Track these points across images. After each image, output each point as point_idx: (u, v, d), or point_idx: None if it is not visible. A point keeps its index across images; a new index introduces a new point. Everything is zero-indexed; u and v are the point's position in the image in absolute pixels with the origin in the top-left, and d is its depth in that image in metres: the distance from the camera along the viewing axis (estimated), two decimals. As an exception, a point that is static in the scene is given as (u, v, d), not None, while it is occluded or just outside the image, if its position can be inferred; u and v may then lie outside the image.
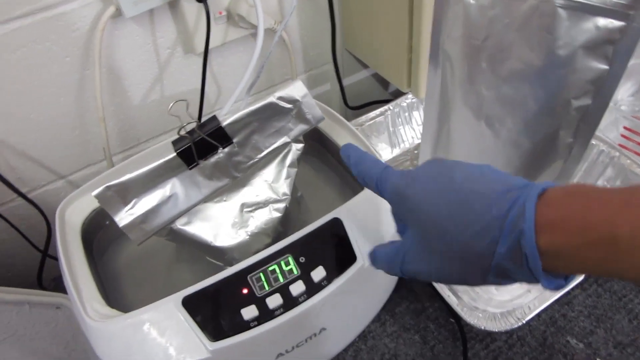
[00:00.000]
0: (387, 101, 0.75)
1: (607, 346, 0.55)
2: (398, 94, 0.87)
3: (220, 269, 0.44)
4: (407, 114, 0.74)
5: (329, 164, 0.58)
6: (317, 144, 0.58)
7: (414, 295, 0.61)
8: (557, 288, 0.29)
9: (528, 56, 0.47)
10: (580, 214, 0.26)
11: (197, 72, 0.67)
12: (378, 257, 0.39)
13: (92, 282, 0.45)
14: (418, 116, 0.74)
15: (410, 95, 0.73)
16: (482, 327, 0.51)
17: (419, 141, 0.74)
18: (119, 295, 0.50)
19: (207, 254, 0.51)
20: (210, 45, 0.60)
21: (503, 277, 0.30)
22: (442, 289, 0.55)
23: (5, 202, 0.64)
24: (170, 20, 0.61)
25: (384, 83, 0.88)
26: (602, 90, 0.46)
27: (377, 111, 0.72)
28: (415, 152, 0.74)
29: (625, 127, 0.72)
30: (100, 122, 0.60)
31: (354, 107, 0.80)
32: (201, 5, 0.59)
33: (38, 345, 0.52)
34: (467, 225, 0.30)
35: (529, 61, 0.48)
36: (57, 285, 0.67)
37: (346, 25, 0.71)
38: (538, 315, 0.56)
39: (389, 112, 0.72)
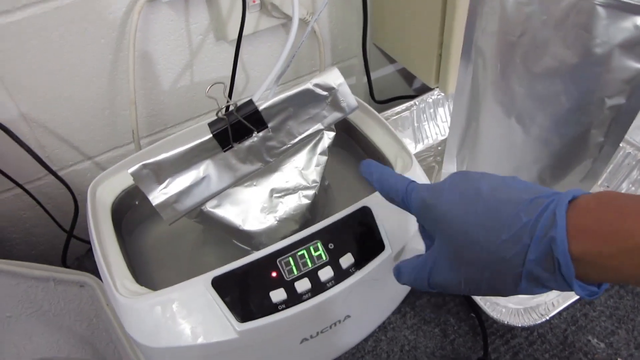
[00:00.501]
0: (411, 97, 0.76)
1: (628, 347, 0.55)
2: (421, 90, 0.87)
3: (247, 253, 0.44)
4: (432, 110, 0.74)
5: (355, 154, 0.58)
6: (344, 134, 0.58)
7: (435, 290, 0.61)
8: (591, 296, 0.29)
9: (564, 53, 0.47)
10: (613, 221, 0.26)
11: (227, 59, 0.68)
12: (404, 272, 0.39)
13: (122, 260, 0.46)
14: (443, 113, 0.74)
15: (436, 92, 0.73)
16: (506, 322, 0.52)
17: (443, 138, 0.74)
18: (146, 274, 0.50)
19: (234, 238, 0.52)
20: (243, 33, 0.61)
21: (535, 284, 0.30)
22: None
23: (32, 180, 0.65)
24: (204, 6, 0.62)
25: (408, 79, 0.88)
26: (637, 90, 0.46)
27: (403, 106, 0.72)
28: (439, 148, 0.74)
29: (652, 131, 0.71)
30: (131, 105, 0.60)
31: (380, 102, 0.80)
32: (236, -8, 0.59)
33: (62, 322, 0.53)
34: (496, 233, 0.30)
35: (564, 58, 0.48)
36: (80, 264, 0.68)
37: (376, 19, 0.71)
38: (559, 313, 0.56)
39: (414, 107, 0.73)
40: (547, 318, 0.52)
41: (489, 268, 0.31)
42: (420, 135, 0.74)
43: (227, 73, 0.69)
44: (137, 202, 0.53)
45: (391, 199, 0.39)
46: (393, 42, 0.73)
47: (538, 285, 0.30)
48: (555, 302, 0.53)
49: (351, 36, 0.76)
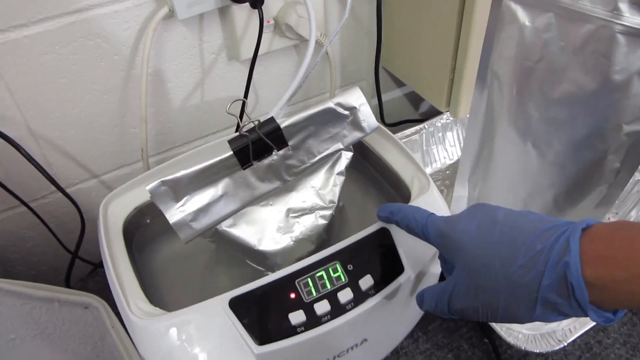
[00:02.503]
0: (419, 121, 0.76)
1: (644, 376, 0.55)
2: (428, 114, 0.88)
3: (261, 274, 0.44)
4: (440, 134, 0.74)
5: (369, 176, 0.58)
6: (358, 156, 0.57)
7: (448, 315, 0.61)
8: (606, 322, 0.29)
9: (582, 79, 0.48)
10: (625, 248, 0.27)
11: (238, 79, 0.68)
12: (426, 299, 0.40)
13: (135, 280, 0.45)
14: (452, 137, 0.75)
15: (445, 116, 0.73)
16: (523, 348, 0.51)
17: (451, 162, 0.74)
18: (158, 295, 0.49)
19: (249, 258, 0.51)
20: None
21: (550, 310, 0.30)
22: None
23: (37, 198, 0.64)
24: (218, 25, 0.62)
25: (415, 103, 0.88)
26: (655, 117, 0.46)
27: (413, 129, 0.72)
28: (447, 172, 0.74)
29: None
30: (142, 123, 0.60)
31: (390, 124, 0.80)
32: (251, 12, 0.59)
33: (67, 344, 0.51)
34: (512, 259, 0.31)
35: (582, 84, 0.48)
36: (84, 286, 0.66)
37: (385, 42, 0.72)
38: (573, 340, 0.56)
39: (423, 131, 0.73)
40: (565, 344, 0.51)
41: (505, 294, 0.32)
42: (429, 158, 0.74)
43: (237, 93, 0.69)
44: (148, 221, 0.52)
45: (412, 231, 0.41)
46: (403, 66, 0.73)
47: (553, 312, 0.30)
48: (572, 328, 0.52)
49: (361, 59, 0.76)
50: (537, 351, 0.51)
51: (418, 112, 0.91)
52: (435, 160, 0.74)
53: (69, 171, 0.64)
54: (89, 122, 0.61)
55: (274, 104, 0.58)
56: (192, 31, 0.61)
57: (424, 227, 0.39)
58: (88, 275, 0.69)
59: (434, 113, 0.74)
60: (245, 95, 0.64)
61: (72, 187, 0.65)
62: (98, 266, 0.69)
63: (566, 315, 0.30)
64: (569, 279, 0.28)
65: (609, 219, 0.69)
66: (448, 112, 0.72)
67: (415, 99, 0.88)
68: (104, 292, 0.60)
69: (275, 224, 0.48)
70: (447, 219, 0.37)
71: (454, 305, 0.36)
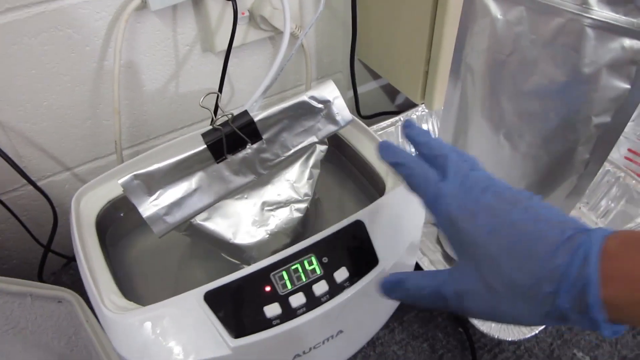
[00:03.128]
0: (395, 113, 0.76)
1: (612, 361, 0.56)
2: (403, 107, 0.88)
3: (236, 268, 0.43)
4: (416, 126, 0.74)
5: (344, 169, 0.58)
6: (333, 149, 0.58)
7: (422, 305, 0.61)
8: (615, 334, 0.29)
9: (552, 72, 0.48)
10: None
11: (213, 71, 0.67)
12: (410, 286, 0.36)
13: (109, 274, 0.44)
14: (427, 129, 0.75)
15: (420, 108, 0.74)
16: (495, 336, 0.52)
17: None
18: (132, 289, 0.48)
19: (224, 252, 0.50)
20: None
21: (561, 321, 0.30)
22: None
23: (7, 191, 0.63)
24: (192, 17, 0.61)
25: (391, 95, 0.89)
26: (622, 109, 0.47)
27: (388, 121, 0.73)
28: (423, 163, 0.74)
29: (630, 150, 0.73)
30: (115, 115, 0.59)
31: (366, 117, 0.81)
32: (225, 3, 0.59)
33: (40, 339, 0.51)
34: (531, 271, 0.30)
35: (553, 77, 0.49)
36: (57, 279, 0.66)
37: (361, 34, 0.72)
38: (545, 327, 0.57)
39: (399, 123, 0.73)
40: (536, 332, 0.52)
41: (516, 302, 0.31)
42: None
43: (212, 85, 0.68)
44: (122, 215, 0.52)
45: (417, 193, 0.36)
46: (378, 58, 0.73)
47: (562, 321, 0.30)
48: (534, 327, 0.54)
49: (337, 51, 0.76)
50: (510, 339, 0.52)
51: (394, 104, 0.91)
52: (410, 152, 0.75)
53: (40, 164, 0.62)
54: (60, 114, 0.60)
55: (249, 96, 0.58)
56: (166, 22, 0.60)
57: (435, 199, 0.34)
58: (61, 269, 0.68)
59: (409, 105, 0.75)
60: (220, 88, 0.63)
61: (44, 179, 0.64)
62: (71, 260, 0.68)
63: (575, 326, 0.31)
64: (587, 299, 0.28)
65: (579, 208, 0.70)
66: (423, 105, 0.73)
67: (390, 91, 0.89)
68: (78, 286, 0.59)
69: (251, 218, 0.48)
70: (459, 206, 0.33)
71: (457, 304, 0.34)
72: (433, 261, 0.62)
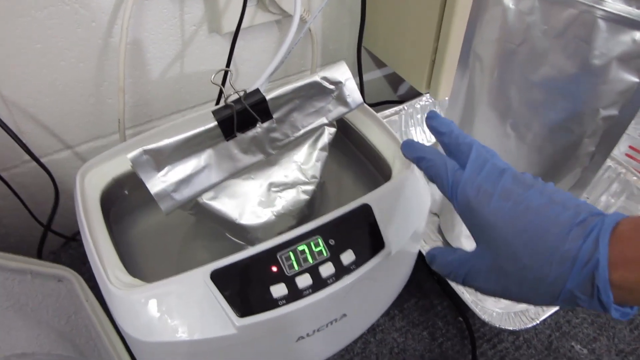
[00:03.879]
0: (398, 102, 0.76)
1: (609, 353, 0.57)
2: (406, 97, 0.88)
3: (240, 249, 0.43)
4: (419, 116, 0.75)
5: (351, 153, 0.58)
6: (340, 133, 0.57)
7: (423, 293, 0.62)
8: (625, 316, 0.30)
9: (562, 63, 0.49)
10: None
11: (218, 52, 0.66)
12: (438, 262, 0.39)
13: (113, 251, 0.44)
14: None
15: (424, 98, 0.74)
16: (497, 325, 0.52)
17: (429, 143, 0.74)
18: (136, 267, 0.48)
19: (229, 232, 0.50)
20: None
21: (571, 303, 0.31)
22: (456, 287, 0.56)
23: (7, 167, 0.62)
24: (200, -4, 0.60)
25: (394, 85, 0.89)
26: (631, 102, 0.47)
27: (392, 110, 0.73)
28: (425, 154, 0.74)
29: (630, 147, 0.74)
30: (119, 93, 0.58)
31: (370, 105, 0.80)
32: (234, -16, 0.58)
33: (41, 317, 0.50)
34: (542, 255, 0.31)
35: (562, 68, 0.49)
36: (57, 258, 0.65)
37: (368, 22, 0.71)
38: (544, 320, 0.57)
39: (403, 112, 0.73)
40: (537, 323, 0.52)
41: (528, 284, 0.32)
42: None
43: (217, 66, 0.68)
44: (126, 192, 0.51)
45: (437, 184, 0.38)
46: (385, 46, 0.73)
47: (573, 304, 0.31)
48: (544, 307, 0.54)
49: (342, 38, 0.76)
50: (510, 328, 0.52)
51: (397, 94, 0.91)
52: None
53: (42, 141, 0.62)
54: (63, 90, 0.59)
55: (253, 80, 0.57)
56: (173, 1, 0.59)
57: (454, 185, 0.35)
58: (60, 248, 0.67)
59: (412, 95, 0.75)
60: (225, 75, 0.63)
61: (45, 157, 0.63)
62: (70, 239, 0.68)
63: (585, 307, 0.31)
64: (596, 282, 0.28)
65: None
66: (428, 94, 0.73)
67: (394, 81, 0.89)
68: (77, 265, 0.59)
69: (257, 198, 0.48)
70: (476, 187, 0.34)
71: (470, 282, 0.36)
72: (434, 250, 0.62)
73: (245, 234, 0.48)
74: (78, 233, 0.68)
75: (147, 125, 0.69)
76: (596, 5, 0.45)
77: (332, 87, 0.46)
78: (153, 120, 0.69)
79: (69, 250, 0.65)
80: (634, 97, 0.47)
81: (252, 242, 0.49)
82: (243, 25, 0.63)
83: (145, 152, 0.41)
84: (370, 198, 0.47)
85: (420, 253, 0.59)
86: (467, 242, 0.62)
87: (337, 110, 0.47)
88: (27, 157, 0.61)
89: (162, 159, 0.42)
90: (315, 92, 0.45)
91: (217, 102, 0.66)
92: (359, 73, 0.75)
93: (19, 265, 0.52)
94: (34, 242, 0.65)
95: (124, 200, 0.51)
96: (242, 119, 0.44)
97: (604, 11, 0.44)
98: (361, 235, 0.45)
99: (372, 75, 0.85)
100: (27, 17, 0.52)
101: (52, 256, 0.65)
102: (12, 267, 0.51)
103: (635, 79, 0.46)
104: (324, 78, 0.45)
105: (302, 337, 0.46)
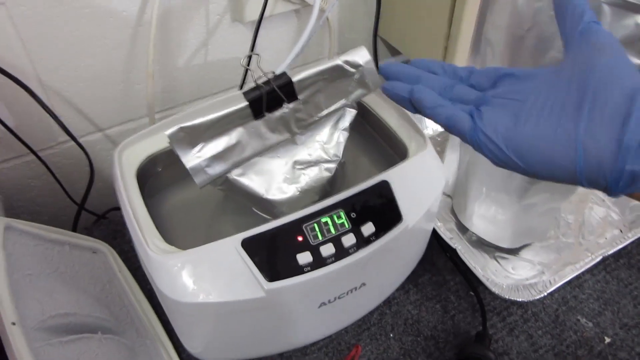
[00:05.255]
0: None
1: (614, 327, 0.59)
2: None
3: (267, 222, 0.46)
4: (432, 102, 0.77)
5: (368, 135, 0.61)
6: (358, 117, 0.60)
7: (436, 269, 0.65)
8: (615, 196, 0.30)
9: (569, 47, 0.51)
10: None
11: (240, 41, 0.70)
12: (422, 94, 0.35)
13: (150, 221, 0.47)
14: (443, 105, 0.78)
15: (437, 85, 0.77)
16: (506, 297, 0.55)
17: (442, 129, 0.77)
18: (170, 236, 0.51)
19: (256, 207, 0.53)
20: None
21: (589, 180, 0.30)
22: (468, 261, 0.59)
23: (44, 148, 0.65)
24: (225, -14, 0.64)
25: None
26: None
27: (406, 96, 0.75)
28: (438, 139, 0.77)
29: None
30: (148, 78, 0.62)
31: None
32: (258, -26, 0.61)
33: (79, 284, 0.54)
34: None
35: (569, 52, 0.51)
36: (89, 234, 0.68)
37: (383, 11, 0.74)
38: (551, 294, 0.60)
39: (416, 98, 0.76)
40: (545, 294, 0.56)
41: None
42: (420, 125, 0.77)
43: (239, 54, 0.71)
44: (159, 169, 0.55)
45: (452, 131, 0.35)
46: (400, 34, 0.76)
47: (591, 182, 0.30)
48: (552, 280, 0.57)
49: (359, 27, 0.79)
50: (519, 300, 0.55)
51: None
52: (426, 126, 0.78)
53: (75, 123, 0.65)
54: (96, 75, 0.63)
55: (272, 67, 0.60)
56: (200, -10, 0.62)
57: (471, 139, 0.33)
58: (92, 224, 0.71)
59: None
60: (250, 56, 0.66)
61: (78, 139, 0.67)
62: (100, 217, 0.71)
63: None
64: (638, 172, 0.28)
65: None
66: (441, 81, 0.75)
67: (407, 70, 0.91)
68: (108, 240, 0.63)
69: (282, 175, 0.51)
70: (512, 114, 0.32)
71: (470, 124, 0.32)
72: (448, 229, 0.65)
73: (271, 208, 0.52)
74: (108, 211, 0.72)
75: (173, 110, 0.72)
76: (601, -9, 0.47)
77: (352, 70, 0.49)
78: (178, 105, 0.72)
79: (100, 227, 0.69)
80: (639, 80, 0.50)
81: (277, 217, 0.52)
82: (264, 14, 0.66)
83: (182, 129, 0.44)
84: (388, 175, 0.50)
85: (434, 231, 0.62)
86: (479, 222, 0.65)
87: (358, 92, 0.50)
88: (61, 138, 0.65)
89: (196, 136, 0.45)
90: (337, 75, 0.48)
91: (241, 87, 0.70)
92: (374, 61, 0.78)
93: (58, 236, 0.56)
94: (65, 220, 0.69)
95: (157, 176, 0.55)
96: (270, 99, 0.47)
97: (609, -4, 0.47)
98: (380, 209, 0.49)
99: (387, 63, 0.87)
100: (65, 6, 0.56)
101: (85, 232, 0.69)
102: (52, 238, 0.55)
103: (638, 61, 0.49)
104: (346, 61, 0.48)
105: (324, 304, 0.49)
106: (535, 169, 0.31)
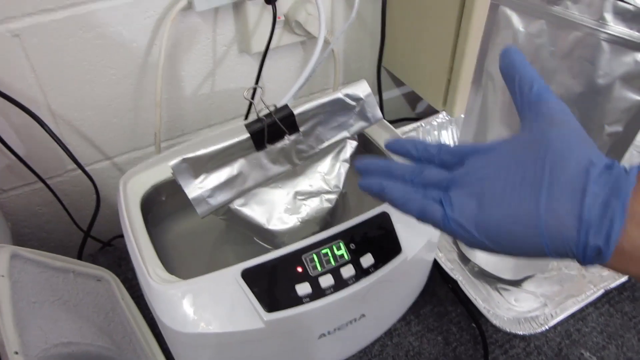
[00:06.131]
0: (416, 119, 0.80)
1: (618, 361, 0.59)
2: (424, 114, 0.92)
3: (268, 252, 0.47)
4: (436, 132, 0.78)
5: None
6: (360, 147, 0.61)
7: (438, 300, 0.65)
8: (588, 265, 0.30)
9: (569, 82, 0.52)
10: None
11: (247, 71, 0.71)
12: (387, 187, 0.37)
13: (153, 250, 0.48)
14: (446, 135, 0.79)
15: (441, 115, 0.77)
16: (507, 330, 0.55)
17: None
18: (172, 266, 0.52)
19: (257, 236, 0.54)
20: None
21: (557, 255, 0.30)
22: (469, 293, 0.58)
23: (51, 176, 0.67)
24: (231, 19, 0.65)
25: (412, 103, 0.92)
26: (634, 119, 0.51)
27: (410, 126, 0.76)
28: (441, 168, 0.78)
29: (640, 163, 0.76)
30: (157, 107, 0.63)
31: (390, 121, 0.84)
32: (263, 7, 0.63)
33: (82, 312, 0.54)
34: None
35: (569, 87, 0.52)
36: (95, 261, 0.69)
37: (388, 44, 0.76)
38: (554, 327, 0.60)
39: (420, 128, 0.77)
40: (547, 327, 0.55)
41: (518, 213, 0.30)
42: (424, 155, 0.78)
43: (246, 84, 0.72)
44: (163, 198, 0.56)
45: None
46: (403, 66, 0.77)
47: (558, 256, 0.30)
48: (553, 313, 0.57)
49: (363, 58, 0.80)
50: (521, 333, 0.55)
51: (414, 111, 0.95)
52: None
53: (83, 151, 0.67)
54: (105, 105, 0.64)
55: (278, 96, 0.62)
56: (207, 23, 0.64)
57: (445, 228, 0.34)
58: (98, 252, 0.72)
59: (429, 113, 0.78)
60: (254, 92, 0.67)
61: (86, 167, 0.68)
62: (106, 244, 0.72)
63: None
64: (601, 246, 0.28)
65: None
66: (444, 112, 0.76)
67: (412, 99, 0.93)
68: (113, 268, 0.64)
69: (284, 205, 0.52)
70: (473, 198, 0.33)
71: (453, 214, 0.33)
72: (449, 259, 0.65)
73: (272, 238, 0.52)
74: (113, 238, 0.73)
75: (180, 138, 0.73)
76: (600, 29, 0.48)
77: (353, 103, 0.50)
78: (185, 134, 0.73)
79: (105, 254, 0.70)
80: (637, 114, 0.50)
81: (278, 247, 0.52)
82: (270, 46, 0.68)
83: (185, 160, 0.45)
84: (388, 206, 0.50)
85: (435, 261, 0.62)
86: (481, 253, 0.65)
87: (358, 125, 0.51)
88: (70, 166, 0.66)
89: (199, 167, 0.46)
90: (338, 107, 0.49)
91: (246, 117, 0.71)
92: (378, 91, 0.79)
93: (63, 264, 0.56)
94: (71, 247, 0.70)
95: (161, 206, 0.56)
96: (272, 131, 0.48)
97: (608, 34, 0.48)
98: (380, 240, 0.49)
99: (391, 93, 0.89)
100: (76, 38, 0.57)
101: (90, 259, 0.70)
102: (57, 266, 0.56)
103: (638, 97, 0.49)
104: (346, 95, 0.49)
105: (324, 335, 0.49)
106: (507, 249, 0.32)
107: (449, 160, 0.37)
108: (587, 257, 0.29)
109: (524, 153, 0.32)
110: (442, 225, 0.34)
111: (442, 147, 0.37)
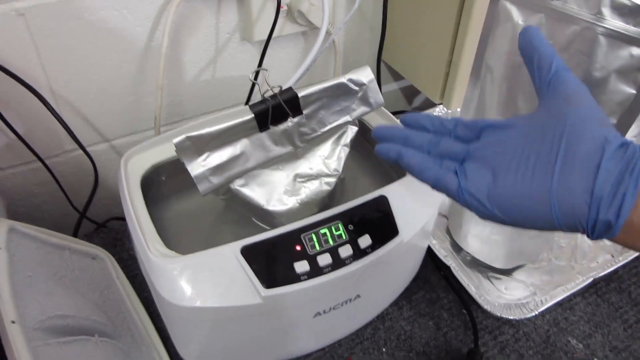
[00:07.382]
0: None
1: (604, 349, 0.60)
2: (422, 108, 0.93)
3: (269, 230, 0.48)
4: (431, 126, 0.79)
5: (368, 153, 0.63)
6: (359, 135, 0.62)
7: (430, 286, 0.66)
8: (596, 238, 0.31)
9: (565, 75, 0.53)
10: None
11: (248, 59, 0.72)
12: (405, 155, 0.37)
13: (152, 226, 0.49)
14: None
15: (438, 109, 0.79)
16: (498, 314, 0.56)
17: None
18: (171, 242, 0.52)
19: (256, 217, 0.55)
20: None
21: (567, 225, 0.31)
22: (462, 279, 0.60)
23: (50, 156, 0.67)
24: (235, 6, 0.66)
25: (410, 97, 0.94)
26: (628, 112, 0.52)
27: (407, 119, 0.77)
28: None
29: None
30: (158, 90, 0.63)
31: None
32: (269, -4, 0.64)
33: (78, 288, 0.55)
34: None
35: (565, 79, 0.53)
36: (89, 241, 0.69)
37: (387, 38, 0.77)
38: (542, 315, 0.61)
39: (416, 121, 0.78)
40: (537, 312, 0.56)
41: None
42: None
43: (247, 72, 0.73)
44: (163, 178, 0.56)
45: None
46: (403, 60, 0.79)
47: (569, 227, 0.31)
48: (543, 299, 0.58)
49: (363, 51, 0.81)
50: (511, 318, 0.56)
51: (412, 105, 0.96)
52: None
53: (83, 133, 0.67)
54: (106, 88, 0.65)
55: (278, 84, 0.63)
56: (211, 10, 0.65)
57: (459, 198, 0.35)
58: (93, 232, 0.72)
59: (427, 106, 0.80)
60: (256, 76, 0.68)
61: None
62: (101, 225, 0.73)
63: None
64: (612, 221, 0.29)
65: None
66: (441, 105, 0.78)
67: (409, 93, 0.94)
68: (108, 248, 0.64)
69: (283, 187, 0.53)
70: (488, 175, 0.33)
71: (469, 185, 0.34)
72: (443, 248, 0.66)
73: (270, 219, 0.53)
74: (108, 220, 0.73)
75: (179, 124, 0.74)
76: (597, 23, 0.49)
77: (356, 88, 0.51)
78: (184, 119, 0.74)
79: (100, 235, 0.70)
80: (631, 107, 0.51)
81: (276, 227, 0.53)
82: (272, 35, 0.69)
83: (188, 138, 0.46)
84: (386, 190, 0.51)
85: (429, 249, 0.63)
86: (473, 242, 0.66)
87: (361, 110, 0.52)
88: (67, 147, 0.66)
89: (202, 145, 0.47)
90: (342, 92, 0.50)
91: (247, 102, 0.72)
92: (377, 84, 0.80)
93: (59, 241, 0.57)
94: (67, 228, 0.69)
95: (161, 185, 0.56)
96: (276, 113, 0.49)
97: (604, 28, 0.49)
98: (377, 222, 0.50)
99: (390, 87, 0.90)
100: (81, 20, 0.58)
101: (85, 239, 0.70)
102: (53, 243, 0.56)
103: (632, 91, 0.51)
104: (350, 80, 0.50)
105: (319, 314, 0.50)
106: (518, 221, 0.33)
107: (466, 134, 0.37)
108: (597, 231, 0.30)
109: (540, 130, 0.33)
110: (456, 195, 0.35)
111: (458, 121, 0.38)
